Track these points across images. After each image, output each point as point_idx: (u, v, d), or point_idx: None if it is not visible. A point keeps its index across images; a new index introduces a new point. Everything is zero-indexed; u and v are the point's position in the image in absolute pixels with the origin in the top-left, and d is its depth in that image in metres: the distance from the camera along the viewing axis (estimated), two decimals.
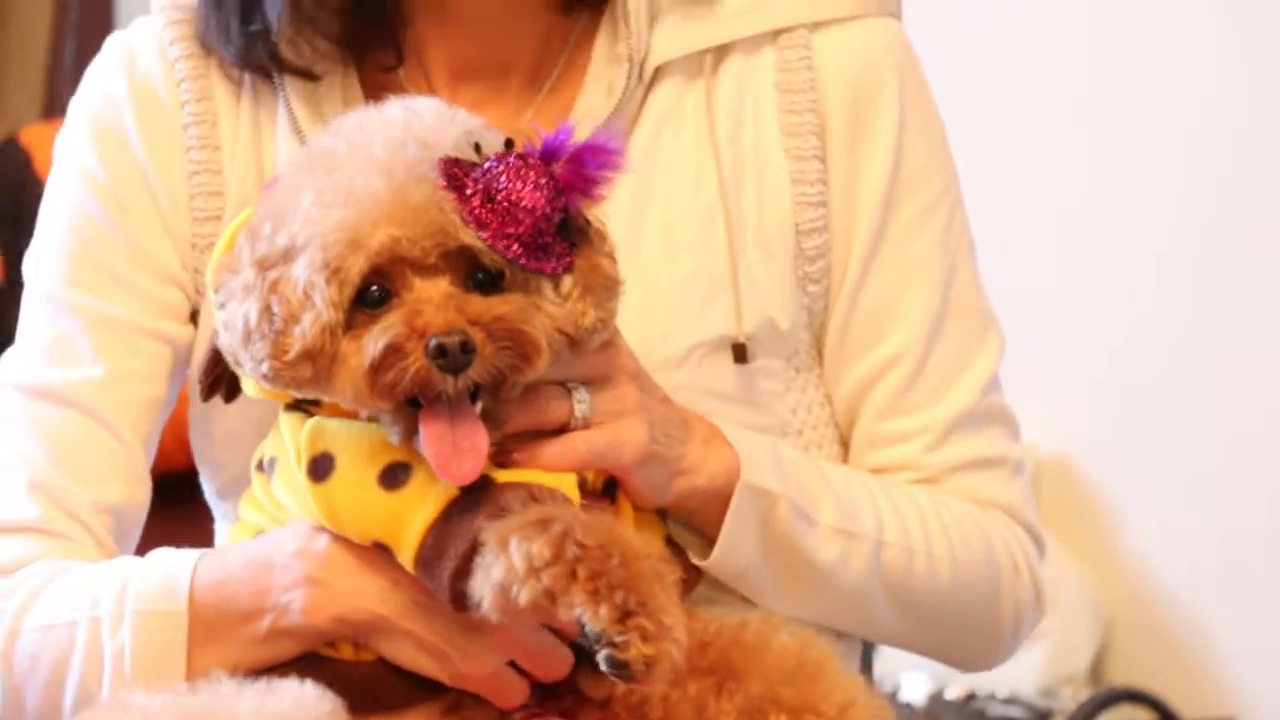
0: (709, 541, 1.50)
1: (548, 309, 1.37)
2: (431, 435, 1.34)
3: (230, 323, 1.38)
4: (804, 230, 1.58)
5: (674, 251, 1.56)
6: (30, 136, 3.54)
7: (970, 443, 1.60)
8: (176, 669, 1.42)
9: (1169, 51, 3.33)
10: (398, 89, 1.57)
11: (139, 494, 1.56)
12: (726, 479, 1.48)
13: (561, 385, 1.41)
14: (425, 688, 1.42)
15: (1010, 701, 3.26)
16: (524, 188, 1.35)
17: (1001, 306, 1.65)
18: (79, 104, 1.62)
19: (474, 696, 1.43)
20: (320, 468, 1.38)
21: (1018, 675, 3.25)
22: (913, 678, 3.33)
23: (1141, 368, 3.36)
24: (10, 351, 1.59)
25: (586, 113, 1.56)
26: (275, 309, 1.36)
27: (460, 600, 1.34)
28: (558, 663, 1.41)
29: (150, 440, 1.58)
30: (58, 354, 1.56)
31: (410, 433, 1.35)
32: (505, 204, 1.35)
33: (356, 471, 1.37)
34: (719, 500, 1.48)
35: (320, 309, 1.34)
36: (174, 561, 1.46)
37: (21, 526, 1.51)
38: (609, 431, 1.42)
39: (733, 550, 1.49)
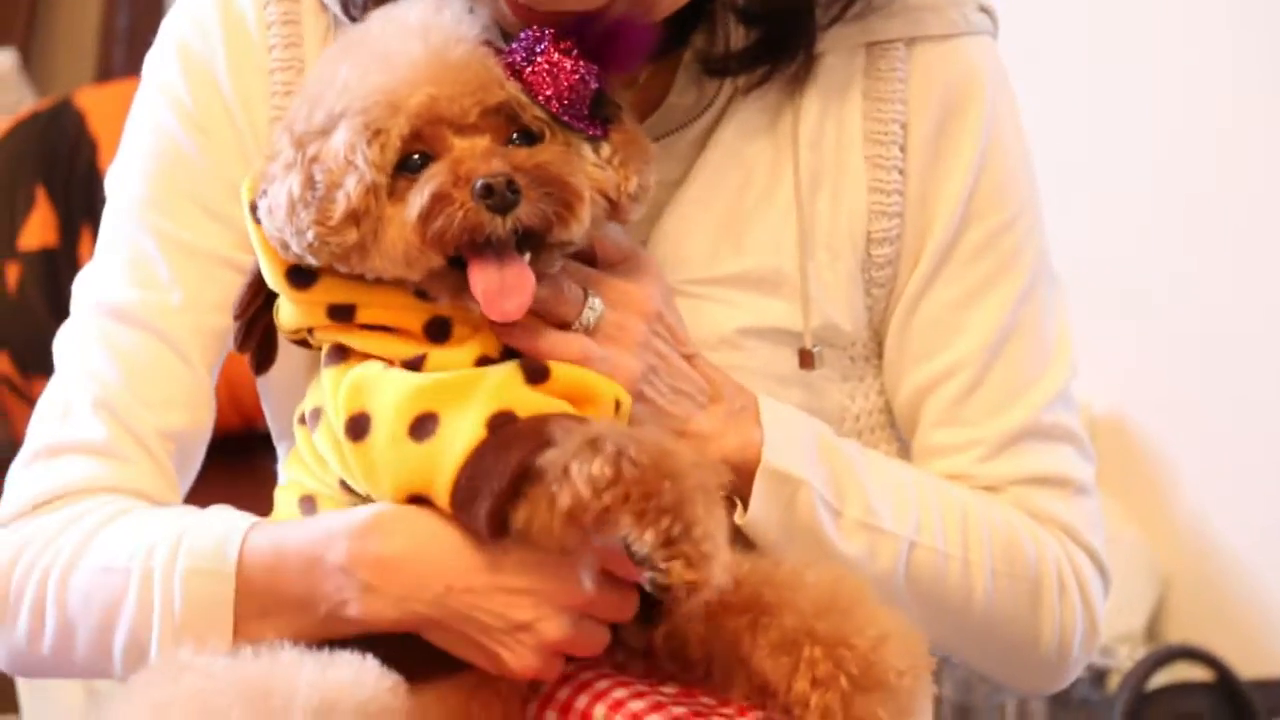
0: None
1: (588, 169, 1.38)
2: (479, 276, 1.36)
3: (273, 204, 1.39)
4: (875, 239, 1.58)
5: (741, 244, 1.56)
6: (84, 99, 3.53)
7: (1027, 459, 1.59)
8: (224, 627, 1.43)
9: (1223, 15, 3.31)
10: None
11: (204, 420, 1.58)
12: (743, 458, 1.49)
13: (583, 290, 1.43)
14: (456, 660, 1.42)
15: None
16: (560, 57, 1.38)
17: (1053, 265, 1.64)
18: (172, 22, 1.62)
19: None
20: (358, 426, 1.40)
21: None
22: None
23: (1195, 323, 3.34)
24: (90, 265, 1.61)
25: (674, 105, 1.56)
26: (318, 178, 1.37)
27: (499, 530, 1.35)
28: (597, 641, 1.42)
29: (216, 368, 1.59)
30: (137, 275, 1.57)
31: (458, 291, 1.37)
32: (546, 64, 1.37)
33: (389, 429, 1.38)
34: (741, 475, 1.48)
35: (363, 170, 1.36)
36: (228, 525, 1.47)
37: (89, 448, 1.53)
38: (606, 349, 1.43)
39: (759, 528, 1.50)
